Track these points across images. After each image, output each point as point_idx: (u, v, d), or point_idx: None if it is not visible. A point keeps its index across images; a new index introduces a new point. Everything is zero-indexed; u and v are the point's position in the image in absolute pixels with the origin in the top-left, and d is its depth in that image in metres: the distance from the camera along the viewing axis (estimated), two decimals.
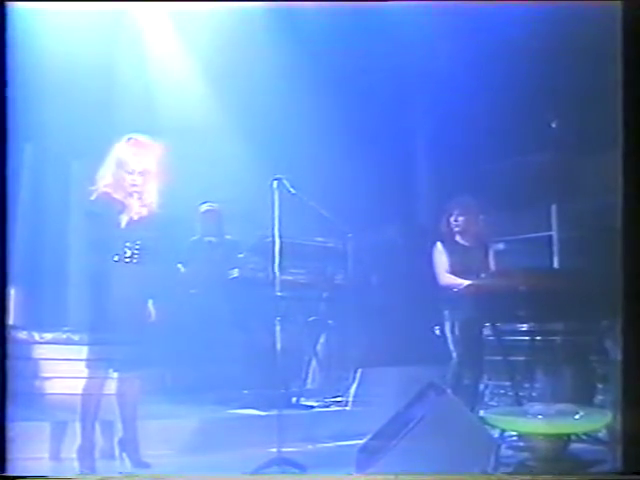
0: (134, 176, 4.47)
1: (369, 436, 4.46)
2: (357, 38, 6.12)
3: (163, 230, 4.61)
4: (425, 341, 5.96)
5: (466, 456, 4.13)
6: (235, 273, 6.04)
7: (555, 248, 6.77)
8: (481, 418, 4.56)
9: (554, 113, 6.19)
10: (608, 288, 4.10)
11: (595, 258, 4.98)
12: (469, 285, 5.41)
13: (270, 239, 4.72)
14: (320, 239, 6.22)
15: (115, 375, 4.47)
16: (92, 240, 4.46)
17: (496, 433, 4.54)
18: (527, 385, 5.34)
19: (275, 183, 4.70)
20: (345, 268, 6.32)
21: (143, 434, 4.59)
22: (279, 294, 4.73)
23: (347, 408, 5.92)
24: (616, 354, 4.35)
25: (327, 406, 6.00)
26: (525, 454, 4.46)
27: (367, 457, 4.28)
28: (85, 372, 4.44)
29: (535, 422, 4.43)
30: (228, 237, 6.65)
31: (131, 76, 6.38)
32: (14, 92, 4.03)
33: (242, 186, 6.26)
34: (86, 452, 4.42)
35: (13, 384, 3.93)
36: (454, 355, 5.54)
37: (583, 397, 4.91)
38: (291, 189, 4.78)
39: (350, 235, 6.25)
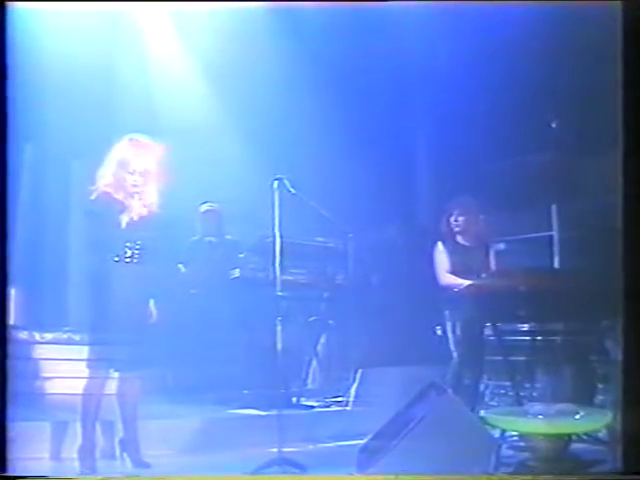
0: (135, 176, 4.46)
1: (370, 436, 4.46)
2: (357, 38, 6.13)
3: (163, 230, 4.61)
4: (425, 341, 5.97)
5: (467, 456, 4.13)
6: (236, 273, 6.03)
7: (555, 248, 6.77)
8: (482, 418, 4.55)
9: (554, 113, 6.19)
10: (608, 288, 4.10)
11: (595, 258, 4.99)
12: (469, 285, 5.41)
13: (271, 239, 4.71)
14: (320, 239, 6.21)
15: (116, 375, 4.46)
16: (92, 240, 4.45)
17: (497, 433, 4.53)
18: (528, 385, 5.34)
19: (275, 183, 4.70)
20: (346, 268, 6.31)
21: (144, 434, 4.59)
22: (280, 294, 4.72)
23: (348, 408, 5.92)
24: (616, 354, 4.35)
25: (328, 406, 6.01)
26: (526, 454, 4.46)
27: (368, 457, 4.28)
28: (86, 372, 4.44)
29: (536, 422, 4.43)
30: (228, 237, 6.65)
31: (131, 76, 6.37)
32: (14, 92, 4.02)
33: (242, 186, 6.26)
34: (87, 452, 4.42)
35: (14, 384, 3.93)
36: (454, 355, 5.55)
37: (583, 397, 4.90)
38: (291, 189, 4.77)
39: (350, 235, 6.25)
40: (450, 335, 5.63)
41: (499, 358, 5.36)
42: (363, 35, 6.02)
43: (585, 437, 4.56)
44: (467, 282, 5.45)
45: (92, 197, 4.46)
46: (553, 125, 6.22)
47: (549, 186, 6.54)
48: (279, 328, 4.66)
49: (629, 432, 3.91)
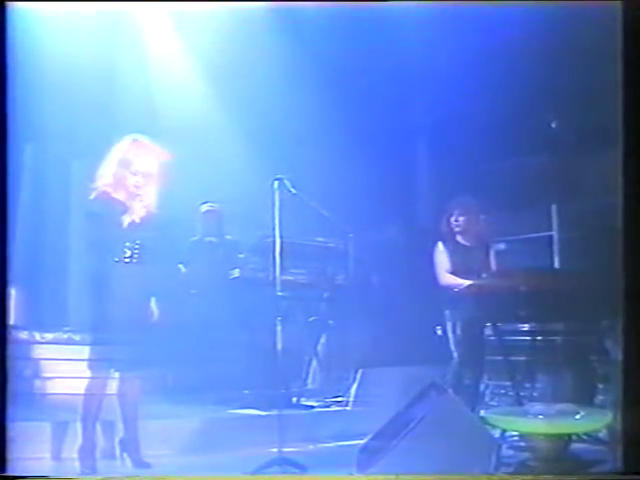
0: (138, 177, 4.46)
1: (370, 436, 4.46)
2: (357, 38, 6.12)
3: (164, 230, 4.61)
4: (426, 341, 5.97)
5: (467, 456, 4.13)
6: (236, 273, 6.03)
7: (556, 248, 6.78)
8: (482, 418, 4.55)
9: (554, 113, 6.18)
10: (609, 288, 4.10)
11: (596, 258, 4.99)
12: (470, 285, 5.41)
13: (271, 239, 4.71)
14: (321, 239, 6.21)
15: (116, 375, 4.46)
16: (93, 240, 4.45)
17: (497, 433, 4.54)
18: (528, 385, 5.35)
19: (276, 183, 4.70)
20: (346, 268, 6.31)
21: (144, 434, 4.59)
22: (280, 294, 4.72)
23: (348, 408, 5.92)
24: (617, 354, 4.35)
25: (328, 406, 6.00)
26: (526, 454, 4.46)
27: (368, 457, 4.28)
28: (86, 372, 4.43)
29: (536, 422, 4.43)
30: (229, 237, 6.65)
31: (131, 76, 6.37)
32: (14, 92, 4.03)
33: (243, 186, 6.26)
34: (87, 452, 4.42)
35: (14, 384, 3.94)
36: (455, 355, 5.55)
37: (584, 397, 4.91)
38: (292, 189, 4.77)
39: (351, 235, 6.24)
40: (450, 335, 5.62)
41: (499, 358, 5.37)
42: (363, 35, 6.02)
43: (585, 437, 4.56)
44: (467, 282, 5.45)
45: (91, 197, 4.46)
46: (553, 125, 6.21)
47: (549, 186, 6.54)
48: (279, 328, 4.66)
49: (629, 432, 3.91)
